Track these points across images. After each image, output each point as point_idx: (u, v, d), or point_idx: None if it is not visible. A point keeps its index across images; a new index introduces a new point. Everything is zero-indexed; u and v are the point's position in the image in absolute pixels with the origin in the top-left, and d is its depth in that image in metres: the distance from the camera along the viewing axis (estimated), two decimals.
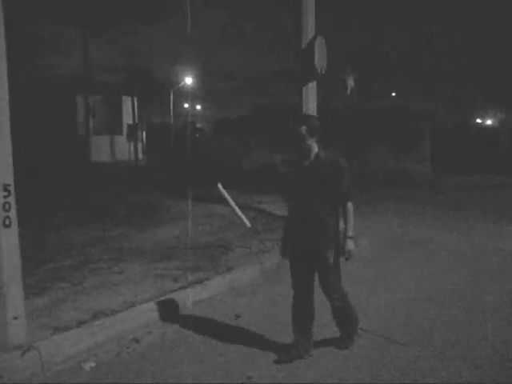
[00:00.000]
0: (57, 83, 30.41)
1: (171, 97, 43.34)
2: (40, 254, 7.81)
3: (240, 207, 9.69)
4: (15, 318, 4.65)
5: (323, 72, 10.18)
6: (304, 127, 4.43)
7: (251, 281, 7.10)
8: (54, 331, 5.04)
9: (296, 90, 10.68)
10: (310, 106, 10.52)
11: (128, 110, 37.54)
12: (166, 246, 8.68)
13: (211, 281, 6.73)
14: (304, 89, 10.40)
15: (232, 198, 9.59)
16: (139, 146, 36.05)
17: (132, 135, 36.45)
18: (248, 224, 9.58)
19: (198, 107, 52.89)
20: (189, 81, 42.61)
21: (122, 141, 37.55)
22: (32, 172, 15.33)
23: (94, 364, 4.68)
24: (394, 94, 39.06)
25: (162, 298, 6.00)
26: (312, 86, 10.49)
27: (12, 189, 4.56)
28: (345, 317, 4.81)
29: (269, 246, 8.57)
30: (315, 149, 4.49)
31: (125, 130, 38.37)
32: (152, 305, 5.79)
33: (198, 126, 46.23)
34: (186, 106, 50.37)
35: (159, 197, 14.59)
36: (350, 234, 4.54)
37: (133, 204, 13.22)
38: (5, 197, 4.48)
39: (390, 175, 21.30)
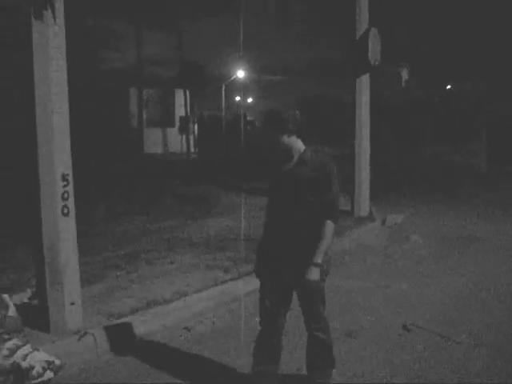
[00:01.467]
0: (111, 76, 31.02)
1: (223, 90, 43.58)
2: (95, 243, 8.01)
3: None
4: (72, 304, 4.81)
5: (377, 64, 10.05)
6: (277, 123, 3.57)
7: None
8: (109, 318, 5.18)
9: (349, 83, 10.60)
10: (363, 98, 10.43)
11: (180, 102, 37.98)
12: (218, 237, 8.76)
13: None
14: (357, 81, 10.30)
15: None
16: (191, 138, 36.44)
17: (184, 127, 36.89)
18: None
19: (250, 100, 53.04)
20: (241, 74, 42.72)
21: (174, 133, 38.05)
22: (87, 163, 15.71)
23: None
24: (449, 87, 38.08)
25: (213, 289, 6.08)
26: (365, 79, 10.38)
27: (70, 179, 4.70)
28: (321, 354, 3.89)
29: None
30: (298, 149, 3.62)
31: (177, 122, 38.85)
32: (203, 295, 5.88)
33: (249, 118, 46.33)
34: (238, 98, 50.58)
35: (211, 188, 14.73)
36: (317, 259, 3.52)
37: (185, 195, 13.39)
38: (63, 186, 4.63)
39: (443, 168, 20.79)
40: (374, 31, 9.96)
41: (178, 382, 4.24)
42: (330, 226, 3.56)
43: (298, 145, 3.63)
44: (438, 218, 11.16)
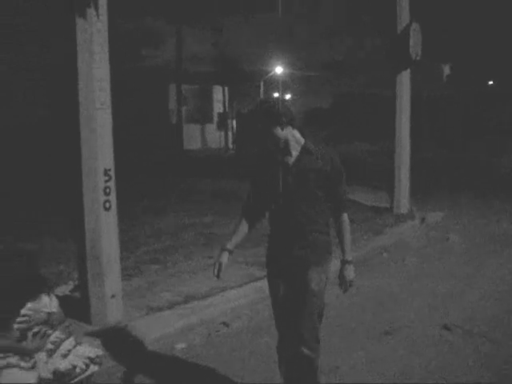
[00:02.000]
0: (151, 73, 31.38)
1: (261, 86, 43.59)
2: (134, 238, 8.12)
3: None
4: (113, 297, 4.90)
5: (418, 59, 9.92)
6: (269, 116, 3.28)
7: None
8: (148, 311, 5.26)
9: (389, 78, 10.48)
10: (404, 94, 10.30)
11: (219, 99, 38.19)
12: (256, 233, 8.75)
13: None
14: (398, 76, 10.17)
15: None
16: (229, 134, 36.61)
17: (222, 124, 37.11)
18: None
19: (288, 96, 52.92)
20: (279, 70, 42.68)
21: (212, 129, 38.30)
22: (128, 159, 15.96)
23: (185, 345, 4.83)
24: (491, 82, 37.24)
25: (251, 285, 6.10)
26: (406, 74, 10.25)
27: (112, 174, 4.78)
28: (303, 374, 3.33)
29: (358, 235, 8.49)
30: (297, 140, 3.33)
31: (215, 118, 39.08)
32: (241, 290, 5.91)
33: None
34: (276, 95, 50.51)
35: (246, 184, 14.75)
36: (349, 257, 3.34)
37: (223, 191, 13.46)
38: (106, 181, 4.71)
39: (480, 166, 20.32)
40: (414, 26, 9.82)
41: (220, 376, 4.27)
42: (347, 218, 3.37)
43: (296, 136, 3.33)
44: (477, 217, 10.92)
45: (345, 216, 3.35)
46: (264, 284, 6.04)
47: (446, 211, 11.19)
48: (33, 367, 3.69)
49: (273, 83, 45.23)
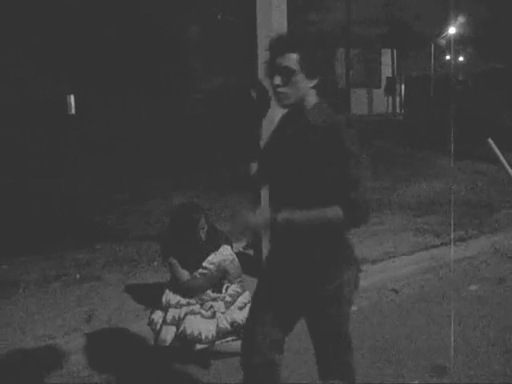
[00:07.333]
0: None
1: (432, 48, 41.53)
2: None
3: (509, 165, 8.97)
4: None
5: None
6: (295, 55, 2.15)
7: None
8: None
9: None
10: None
11: (387, 62, 37.12)
12: (428, 200, 8.51)
13: (474, 240, 6.45)
14: None
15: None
16: (397, 99, 35.54)
17: (390, 89, 36.11)
18: None
19: (461, 59, 49.86)
20: (452, 31, 40.25)
21: (379, 94, 37.43)
22: None
23: (355, 307, 4.85)
24: None
25: (422, 252, 5.95)
26: None
27: None
28: None
29: None
30: (309, 101, 2.25)
31: (383, 83, 38.10)
32: (412, 258, 5.79)
33: (460, 78, 43.65)
34: (448, 57, 47.83)
35: (419, 151, 14.29)
36: (281, 216, 2.17)
37: (393, 156, 13.19)
38: None
39: None
40: None
41: (389, 340, 4.23)
42: (335, 211, 2.18)
43: (312, 96, 2.25)
44: None
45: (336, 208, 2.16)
46: (436, 252, 5.89)
47: None
48: (212, 316, 3.95)
49: (446, 45, 42.84)
